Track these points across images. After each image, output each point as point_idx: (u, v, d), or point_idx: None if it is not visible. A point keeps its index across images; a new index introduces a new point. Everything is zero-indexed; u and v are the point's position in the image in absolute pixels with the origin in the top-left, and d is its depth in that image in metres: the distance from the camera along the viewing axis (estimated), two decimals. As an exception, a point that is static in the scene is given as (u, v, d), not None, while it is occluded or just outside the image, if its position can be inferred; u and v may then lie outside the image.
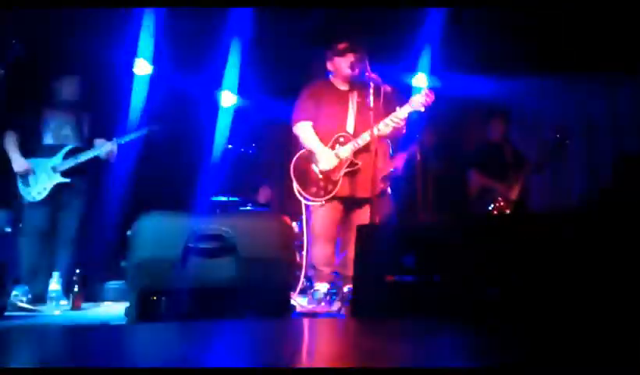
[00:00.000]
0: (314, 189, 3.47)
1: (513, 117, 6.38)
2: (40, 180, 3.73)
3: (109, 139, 3.90)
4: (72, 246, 3.81)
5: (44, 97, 3.94)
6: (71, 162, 3.77)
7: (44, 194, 3.72)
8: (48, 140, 3.83)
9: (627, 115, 6.04)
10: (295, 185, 3.52)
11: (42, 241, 3.75)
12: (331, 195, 3.45)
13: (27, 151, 3.77)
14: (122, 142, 3.94)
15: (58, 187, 3.76)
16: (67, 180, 3.76)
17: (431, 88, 3.55)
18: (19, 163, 3.70)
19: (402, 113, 3.48)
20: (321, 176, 3.48)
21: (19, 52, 3.55)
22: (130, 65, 4.68)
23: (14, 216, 3.73)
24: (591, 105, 6.27)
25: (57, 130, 3.84)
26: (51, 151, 3.80)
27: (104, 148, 3.85)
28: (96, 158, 3.87)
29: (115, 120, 4.04)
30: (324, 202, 3.46)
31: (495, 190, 4.59)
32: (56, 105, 3.89)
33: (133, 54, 4.63)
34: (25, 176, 3.70)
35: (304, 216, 3.70)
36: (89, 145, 3.89)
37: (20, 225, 3.71)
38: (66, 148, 3.80)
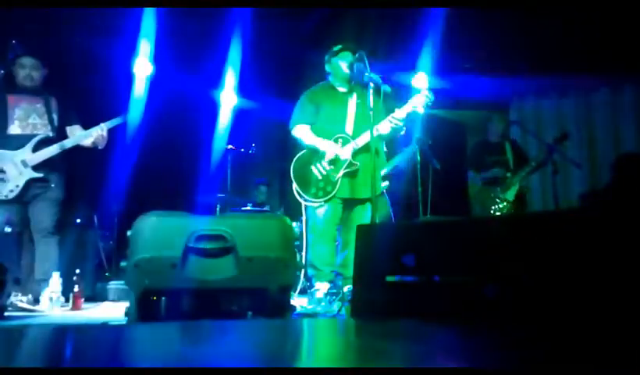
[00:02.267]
0: (313, 190, 3.48)
1: (512, 116, 6.39)
2: (11, 177, 3.45)
3: (84, 126, 3.69)
4: (55, 237, 3.59)
5: (8, 83, 3.69)
6: (44, 155, 3.52)
7: (17, 191, 3.45)
8: (15, 130, 3.55)
9: (627, 115, 6.05)
10: (294, 186, 3.53)
11: (19, 240, 3.56)
12: (330, 196, 3.46)
13: None
14: (111, 126, 3.70)
15: (32, 182, 3.50)
16: (39, 175, 3.50)
17: (430, 88, 3.57)
18: None
19: (401, 113, 3.49)
20: (320, 177, 3.48)
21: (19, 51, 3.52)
22: (126, 62, 4.68)
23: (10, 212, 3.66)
24: (591, 105, 6.27)
25: (23, 119, 3.57)
26: (18, 142, 3.50)
27: (91, 134, 3.60)
28: (74, 148, 3.64)
29: (88, 108, 3.84)
30: (323, 203, 3.47)
31: (491, 191, 4.60)
32: (19, 92, 3.64)
33: (129, 52, 4.63)
34: None
35: (303, 216, 3.71)
36: (60, 134, 3.65)
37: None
38: (36, 139, 3.53)
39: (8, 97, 3.62)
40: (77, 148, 3.73)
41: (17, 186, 3.45)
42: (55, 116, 3.68)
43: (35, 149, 3.52)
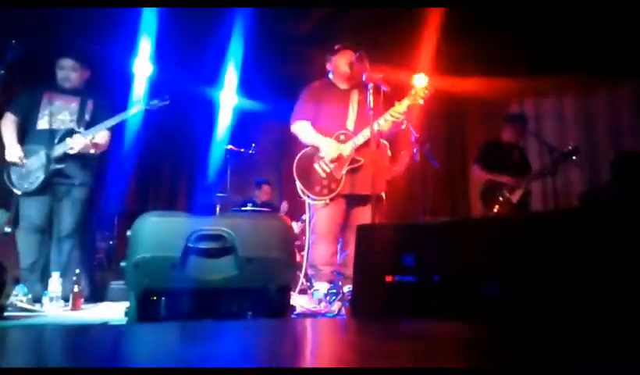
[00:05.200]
0: (317, 188, 3.49)
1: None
2: (33, 169, 3.51)
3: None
4: (72, 240, 3.63)
5: (44, 80, 3.76)
6: (66, 147, 3.55)
7: (37, 183, 3.51)
8: (43, 125, 3.62)
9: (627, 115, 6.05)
10: (298, 184, 3.53)
11: (39, 235, 3.58)
12: (335, 193, 3.46)
13: (22, 137, 3.59)
14: (122, 119, 3.68)
15: (53, 177, 3.55)
16: (61, 166, 3.54)
17: (430, 84, 3.58)
18: (11, 151, 3.51)
19: (401, 107, 3.50)
20: (324, 174, 3.49)
21: (18, 52, 3.51)
22: (129, 63, 4.68)
23: (12, 210, 3.67)
24: (591, 104, 6.27)
25: (53, 115, 3.62)
26: (46, 136, 3.58)
27: (97, 137, 3.60)
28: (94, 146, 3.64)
29: (119, 110, 3.83)
30: (328, 201, 3.47)
31: (501, 184, 4.60)
32: (56, 89, 3.72)
33: (133, 53, 4.63)
34: (17, 164, 3.50)
35: (307, 215, 3.71)
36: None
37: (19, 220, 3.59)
38: (61, 133, 3.58)
39: (45, 94, 3.69)
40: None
41: (37, 177, 3.52)
42: (87, 117, 3.73)
43: (60, 142, 3.57)
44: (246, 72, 5.50)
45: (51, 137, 3.59)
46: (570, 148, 4.52)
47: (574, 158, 4.50)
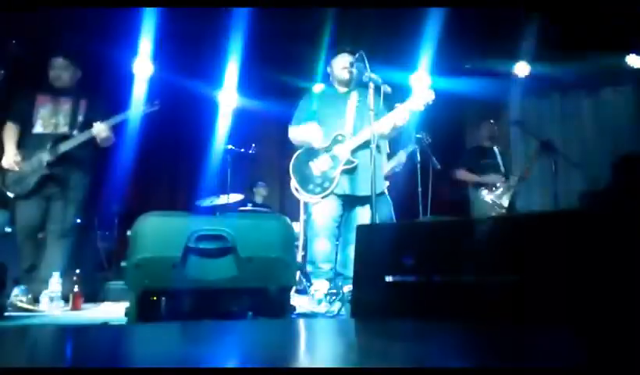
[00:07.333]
0: (310, 186, 3.49)
1: (512, 116, 6.39)
2: (27, 173, 3.53)
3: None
4: (71, 240, 3.62)
5: (38, 83, 3.75)
6: (57, 151, 3.55)
7: (29, 187, 3.52)
8: (37, 129, 3.62)
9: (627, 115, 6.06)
10: (293, 182, 3.55)
11: (34, 237, 3.59)
12: (327, 192, 3.46)
13: (20, 142, 3.61)
14: (115, 122, 3.66)
15: (47, 180, 3.55)
16: (55, 169, 3.54)
17: (431, 87, 3.59)
18: (7, 158, 3.54)
19: (402, 111, 3.50)
20: (318, 173, 3.50)
21: (19, 53, 3.52)
22: (130, 64, 4.67)
23: (11, 213, 3.69)
24: (591, 105, 6.27)
25: (46, 119, 3.63)
26: (39, 141, 3.58)
27: (93, 131, 3.57)
28: (88, 145, 3.64)
29: (113, 109, 3.80)
30: (321, 199, 3.48)
31: (487, 188, 4.72)
32: (49, 92, 3.71)
33: (133, 53, 4.63)
34: (12, 169, 3.53)
35: (301, 214, 3.71)
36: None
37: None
38: (55, 138, 3.58)
39: (38, 97, 3.68)
40: (100, 149, 3.78)
41: (30, 182, 3.53)
42: (80, 117, 3.70)
43: (53, 147, 3.56)
44: (246, 72, 5.50)
45: (45, 141, 3.58)
46: (539, 147, 4.63)
47: (550, 149, 4.59)
